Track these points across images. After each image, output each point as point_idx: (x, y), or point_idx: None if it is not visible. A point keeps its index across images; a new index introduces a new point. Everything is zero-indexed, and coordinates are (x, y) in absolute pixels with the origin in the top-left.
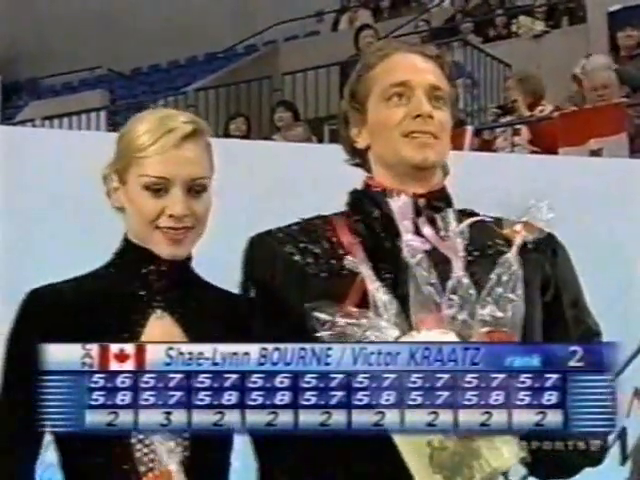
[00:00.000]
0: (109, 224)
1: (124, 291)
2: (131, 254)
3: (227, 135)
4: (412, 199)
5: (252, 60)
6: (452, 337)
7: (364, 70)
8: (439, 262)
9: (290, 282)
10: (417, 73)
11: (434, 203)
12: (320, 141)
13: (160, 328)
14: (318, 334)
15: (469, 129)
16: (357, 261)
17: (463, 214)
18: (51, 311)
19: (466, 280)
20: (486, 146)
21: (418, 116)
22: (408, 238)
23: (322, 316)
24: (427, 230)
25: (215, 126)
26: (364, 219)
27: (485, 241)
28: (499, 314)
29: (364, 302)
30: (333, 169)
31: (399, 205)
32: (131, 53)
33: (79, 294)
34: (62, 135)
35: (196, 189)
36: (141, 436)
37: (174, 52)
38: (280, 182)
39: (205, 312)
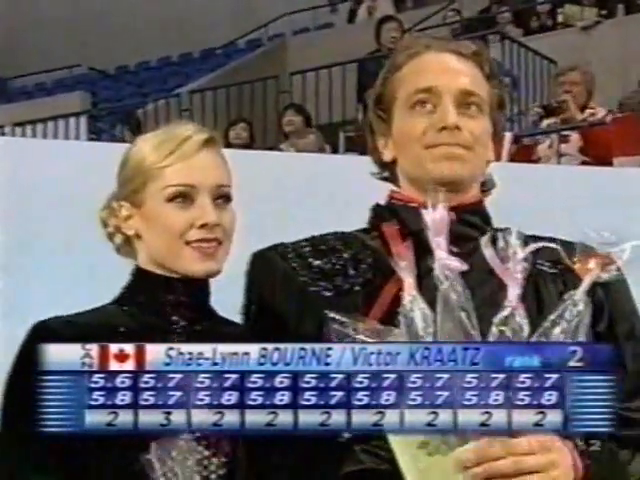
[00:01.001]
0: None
1: (140, 325)
2: (145, 283)
3: (227, 144)
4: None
5: (256, 57)
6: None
7: (390, 71)
8: (490, 287)
9: (291, 300)
10: (446, 77)
11: (467, 218)
12: (334, 150)
13: None
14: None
15: (508, 135)
16: (403, 264)
17: (506, 234)
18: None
19: (521, 313)
20: (526, 154)
21: (443, 128)
22: (441, 256)
23: (342, 330)
24: (488, 251)
25: None
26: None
27: (548, 270)
28: None
29: (388, 319)
30: (349, 183)
31: (434, 218)
32: (115, 49)
33: (91, 327)
34: (36, 144)
35: (222, 198)
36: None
37: (165, 48)
38: (287, 198)
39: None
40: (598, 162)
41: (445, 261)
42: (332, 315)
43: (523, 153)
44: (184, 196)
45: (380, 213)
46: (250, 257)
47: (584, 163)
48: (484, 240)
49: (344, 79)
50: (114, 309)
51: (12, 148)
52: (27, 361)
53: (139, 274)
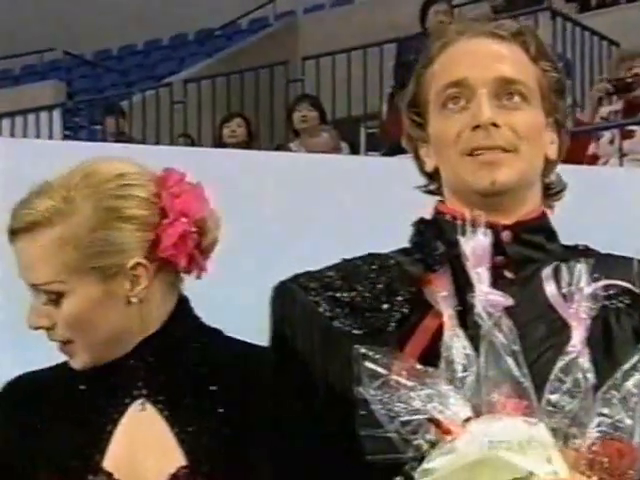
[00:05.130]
0: None
1: (97, 379)
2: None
3: (220, 143)
4: (492, 236)
5: (260, 40)
6: (543, 431)
7: (422, 67)
8: (549, 323)
9: (314, 338)
10: (480, 65)
11: (525, 237)
12: (354, 149)
13: (138, 423)
14: (364, 391)
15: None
16: (441, 295)
17: (577, 253)
18: (16, 409)
19: (586, 359)
20: (579, 151)
21: (477, 127)
22: (483, 290)
23: (374, 368)
24: (550, 287)
25: (211, 129)
26: (428, 259)
27: (622, 301)
28: (627, 421)
29: (426, 359)
30: (367, 188)
31: (473, 247)
32: (95, 31)
33: (48, 385)
34: (2, 143)
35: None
36: None
37: (154, 29)
38: (292, 206)
39: (203, 394)
40: None
41: (487, 296)
42: (363, 351)
43: (575, 150)
44: None
45: (424, 231)
46: (271, 291)
47: None
48: (545, 273)
49: (365, 65)
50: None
51: None
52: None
53: None
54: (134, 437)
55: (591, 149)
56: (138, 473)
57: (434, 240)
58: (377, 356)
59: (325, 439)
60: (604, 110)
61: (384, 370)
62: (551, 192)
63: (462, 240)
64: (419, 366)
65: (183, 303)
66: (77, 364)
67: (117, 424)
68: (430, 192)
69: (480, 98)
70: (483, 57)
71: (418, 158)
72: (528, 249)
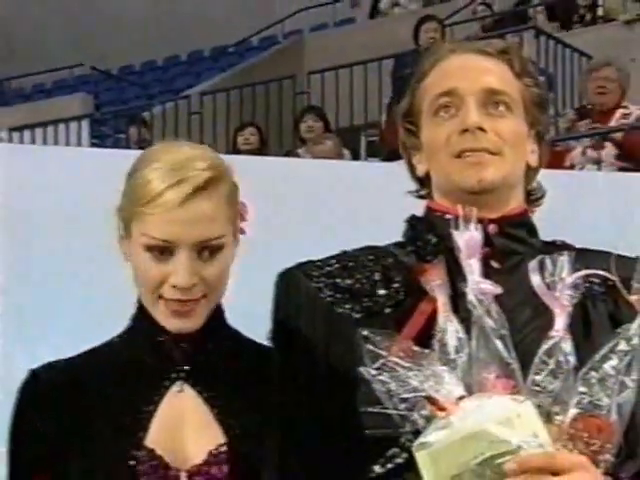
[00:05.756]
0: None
1: (135, 363)
2: (143, 320)
3: (235, 150)
4: (481, 230)
5: (271, 55)
6: (529, 408)
7: (416, 81)
8: (533, 308)
9: (317, 322)
10: (469, 77)
11: (510, 230)
12: (355, 156)
13: (178, 404)
14: (365, 371)
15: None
16: (435, 283)
17: (555, 247)
18: (51, 397)
19: (568, 343)
20: (558, 161)
21: (465, 131)
22: (475, 279)
23: (375, 350)
24: (535, 277)
25: (225, 138)
26: (421, 250)
27: (599, 289)
28: (604, 400)
29: (421, 341)
30: (369, 191)
31: (465, 240)
32: (120, 48)
33: (82, 372)
34: (35, 151)
35: (209, 251)
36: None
37: (173, 46)
38: (304, 207)
39: (237, 378)
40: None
41: (479, 285)
42: (365, 333)
43: (555, 159)
44: (161, 250)
45: (416, 226)
46: (276, 277)
47: (623, 170)
48: (532, 265)
49: (366, 79)
50: (117, 343)
51: (9, 155)
52: (23, 418)
53: (139, 307)
54: (175, 417)
55: (568, 160)
56: (179, 450)
57: (426, 233)
58: (377, 338)
59: (326, 418)
60: (580, 125)
61: (384, 352)
62: (532, 198)
63: (455, 234)
64: (416, 348)
65: None
66: (194, 324)
67: (158, 406)
68: (421, 197)
69: (468, 105)
70: (472, 70)
71: (411, 164)
72: (512, 242)
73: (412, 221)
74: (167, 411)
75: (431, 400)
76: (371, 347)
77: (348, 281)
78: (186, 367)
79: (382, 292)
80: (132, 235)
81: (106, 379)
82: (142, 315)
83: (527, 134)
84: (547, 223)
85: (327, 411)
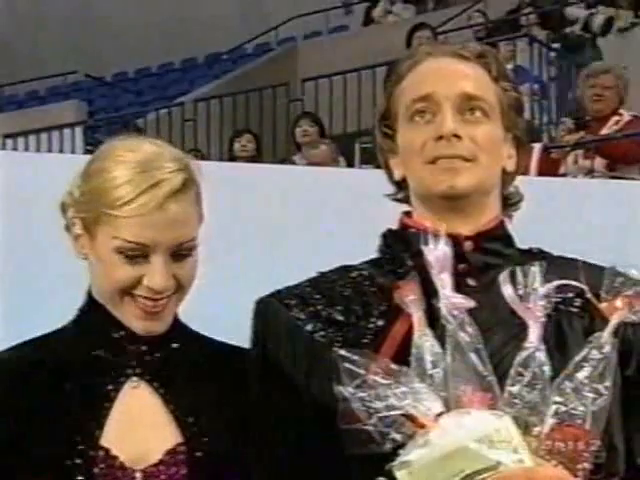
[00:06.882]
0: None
1: (88, 357)
2: (98, 316)
3: (231, 157)
4: (454, 246)
5: (264, 63)
6: (508, 423)
7: (393, 84)
8: (510, 324)
9: (298, 353)
10: (445, 82)
11: (486, 245)
12: (349, 163)
13: (134, 401)
14: (343, 390)
15: (537, 147)
16: (409, 299)
17: (531, 256)
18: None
19: (542, 354)
20: (553, 168)
21: (441, 138)
22: (447, 294)
23: (352, 368)
24: (507, 289)
25: (219, 145)
26: (396, 269)
27: (572, 301)
28: (580, 408)
29: (399, 359)
30: (363, 198)
31: (436, 255)
32: (113, 55)
33: (31, 365)
34: (28, 158)
35: (182, 253)
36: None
37: (167, 53)
38: (294, 214)
39: (197, 377)
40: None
41: (450, 299)
42: (342, 353)
43: (550, 167)
44: (135, 252)
45: (391, 242)
46: (253, 306)
47: (614, 179)
48: (502, 277)
49: (359, 86)
50: (68, 334)
51: (2, 162)
52: None
53: (91, 302)
54: (131, 414)
55: (562, 169)
56: (135, 449)
57: (402, 253)
58: (355, 357)
59: (309, 444)
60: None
61: (362, 370)
62: (510, 202)
63: (425, 249)
64: (394, 365)
65: None
66: (162, 326)
67: (114, 402)
68: (398, 200)
69: (444, 111)
70: (448, 75)
71: (388, 168)
72: (488, 256)
73: (387, 238)
74: (123, 408)
75: (410, 417)
76: (349, 365)
77: (327, 310)
78: (143, 362)
79: (362, 323)
80: (97, 237)
81: (58, 373)
82: (95, 309)
83: (503, 139)
84: (547, 229)
85: (309, 440)
